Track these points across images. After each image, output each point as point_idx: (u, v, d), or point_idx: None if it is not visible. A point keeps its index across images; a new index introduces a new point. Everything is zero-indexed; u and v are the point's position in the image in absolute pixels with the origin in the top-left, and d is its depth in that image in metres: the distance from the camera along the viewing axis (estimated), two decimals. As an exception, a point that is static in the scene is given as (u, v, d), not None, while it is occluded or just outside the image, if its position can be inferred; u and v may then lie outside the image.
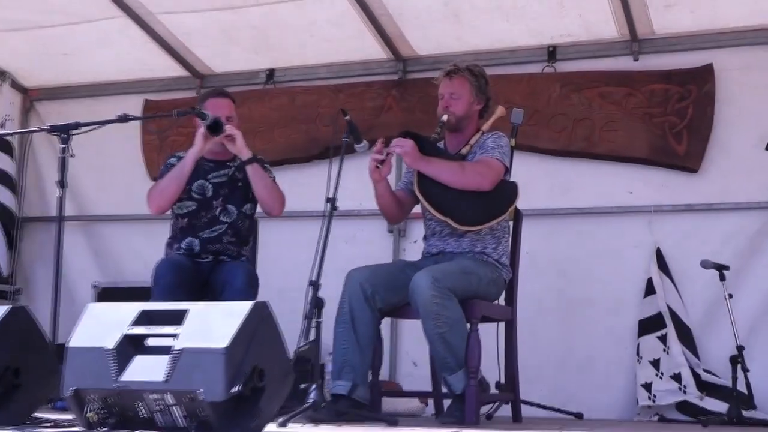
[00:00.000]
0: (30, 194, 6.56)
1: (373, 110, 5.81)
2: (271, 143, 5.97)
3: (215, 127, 4.31)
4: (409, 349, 5.48)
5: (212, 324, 2.73)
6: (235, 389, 2.63)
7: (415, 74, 5.78)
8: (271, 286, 4.97)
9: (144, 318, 2.86)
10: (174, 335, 2.75)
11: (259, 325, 2.77)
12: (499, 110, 4.34)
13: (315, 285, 3.69)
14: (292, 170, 5.83)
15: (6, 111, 6.38)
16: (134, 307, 2.89)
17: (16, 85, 6.49)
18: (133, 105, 6.15)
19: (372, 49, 5.71)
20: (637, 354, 5.05)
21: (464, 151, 4.21)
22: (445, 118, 4.21)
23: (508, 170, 4.19)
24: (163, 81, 6.28)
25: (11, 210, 6.36)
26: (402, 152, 4.03)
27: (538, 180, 5.33)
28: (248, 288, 4.16)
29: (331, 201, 3.87)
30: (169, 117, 4.28)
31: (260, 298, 4.57)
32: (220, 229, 4.50)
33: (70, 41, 5.87)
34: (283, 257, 5.47)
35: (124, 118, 3.82)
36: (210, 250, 4.47)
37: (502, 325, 4.34)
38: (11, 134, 6.15)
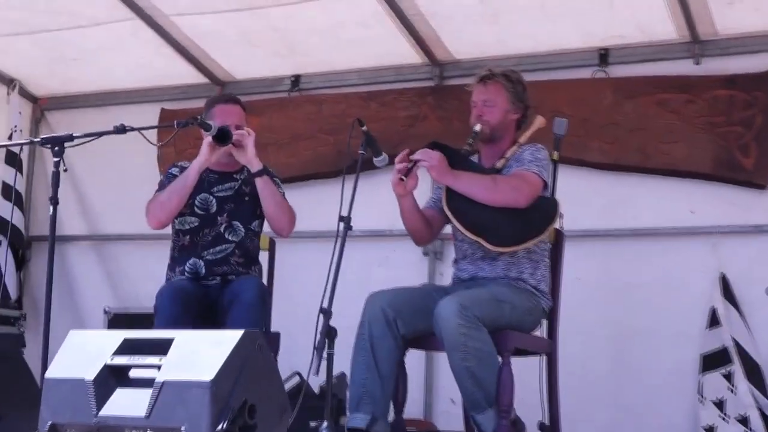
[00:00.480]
0: (39, 211, 6.67)
1: (406, 120, 5.81)
2: (295, 156, 6.00)
3: (222, 137, 4.30)
4: (446, 384, 5.41)
5: (198, 354, 2.72)
6: (222, 426, 2.61)
7: (452, 80, 5.76)
8: (292, 314, 4.99)
9: (127, 347, 2.85)
10: (158, 366, 2.73)
11: (251, 356, 2.75)
12: (539, 121, 4.28)
13: (326, 312, 3.64)
14: (318, 186, 5.85)
15: (15, 121, 6.48)
16: (117, 335, 2.89)
17: (25, 94, 6.61)
18: (149, 114, 6.21)
19: (405, 53, 5.71)
20: (700, 393, 4.93)
21: (499, 164, 4.16)
22: (478, 128, 4.16)
23: (547, 186, 4.13)
24: (180, 88, 6.35)
25: (19, 229, 6.44)
26: (428, 165, 3.99)
27: (587, 197, 5.27)
28: (259, 303, 4.14)
29: (345, 220, 3.83)
30: (182, 127, 4.26)
31: (278, 327, 4.62)
32: (227, 249, 4.49)
33: (79, 45, 5.96)
34: (306, 282, 5.43)
35: (121, 129, 3.84)
36: (217, 273, 4.47)
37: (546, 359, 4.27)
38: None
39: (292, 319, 4.88)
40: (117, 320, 5.97)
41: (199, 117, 4.20)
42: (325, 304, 3.68)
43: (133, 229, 6.22)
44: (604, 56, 5.45)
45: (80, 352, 2.90)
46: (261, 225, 4.62)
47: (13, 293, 6.35)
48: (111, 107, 6.47)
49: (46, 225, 6.51)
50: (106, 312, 6.04)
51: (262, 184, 4.43)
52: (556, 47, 5.51)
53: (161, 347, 2.79)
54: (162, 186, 4.56)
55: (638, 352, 5.15)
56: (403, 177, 4.01)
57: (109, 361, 2.82)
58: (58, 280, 6.47)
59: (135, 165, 6.31)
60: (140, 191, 6.27)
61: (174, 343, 2.79)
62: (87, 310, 6.25)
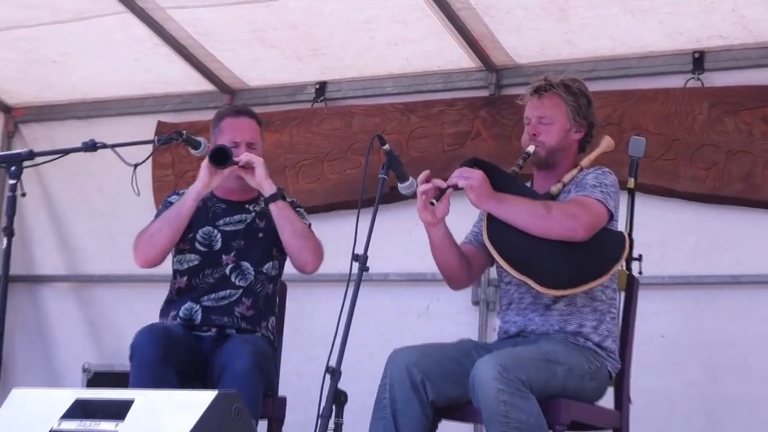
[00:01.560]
0: (13, 247, 6.78)
1: (454, 137, 5.85)
2: (319, 181, 6.08)
3: (219, 158, 4.35)
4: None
5: (161, 419, 2.76)
6: None
7: (511, 89, 5.80)
8: (307, 375, 5.02)
9: (78, 410, 2.91)
10: (113, 433, 2.79)
11: (225, 423, 2.79)
12: (606, 142, 4.28)
13: (333, 373, 3.68)
14: (346, 217, 5.88)
15: (-17, 135, 6.68)
16: (68, 395, 2.94)
17: (-4, 102, 6.79)
18: (144, 128, 6.35)
19: (453, 56, 5.76)
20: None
21: (554, 189, 4.16)
22: (531, 149, 4.16)
23: (613, 216, 4.13)
24: (180, 97, 6.48)
25: (-12, 267, 6.57)
26: (466, 185, 3.98)
27: (675, 236, 5.27)
28: (253, 372, 4.13)
29: (360, 259, 3.85)
30: (163, 144, 4.36)
31: (290, 390, 4.66)
32: (232, 296, 4.51)
33: (59, 45, 6.09)
34: (327, 333, 5.51)
35: (91, 146, 3.93)
36: (215, 323, 4.49)
37: (611, 435, 4.26)
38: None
39: (307, 380, 4.91)
40: (98, 379, 6.05)
41: (184, 132, 4.25)
42: (333, 362, 3.72)
43: (120, 268, 6.34)
44: (698, 60, 5.46)
45: (23, 415, 2.95)
46: (279, 269, 4.65)
47: (-22, 342, 6.47)
48: (99, 120, 6.63)
49: (21, 263, 6.74)
50: (85, 369, 6.13)
51: (276, 210, 4.46)
52: (639, 49, 5.52)
53: (119, 410, 2.84)
54: (158, 216, 4.62)
55: (737, 428, 5.11)
56: (433, 201, 4.03)
57: (55, 427, 2.88)
58: (29, 328, 6.67)
59: (126, 191, 6.37)
60: (131, 223, 6.33)
61: (134, 406, 2.83)
62: (63, 366, 6.36)
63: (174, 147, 6.16)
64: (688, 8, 5.19)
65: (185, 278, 4.56)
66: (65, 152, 4.06)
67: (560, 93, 4.21)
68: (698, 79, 5.46)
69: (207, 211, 4.57)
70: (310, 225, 4.62)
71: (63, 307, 6.46)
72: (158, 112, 6.52)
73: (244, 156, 4.43)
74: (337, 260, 5.44)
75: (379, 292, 5.78)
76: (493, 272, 5.13)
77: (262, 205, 4.60)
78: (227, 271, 4.54)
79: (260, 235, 4.59)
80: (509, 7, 5.36)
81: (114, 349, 6.31)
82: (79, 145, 4.03)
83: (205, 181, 4.42)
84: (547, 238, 3.98)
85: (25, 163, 4.01)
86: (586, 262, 4.00)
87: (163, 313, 4.64)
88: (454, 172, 4.05)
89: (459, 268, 4.24)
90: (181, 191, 4.66)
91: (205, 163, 4.42)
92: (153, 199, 6.39)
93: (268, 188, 4.46)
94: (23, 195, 3.97)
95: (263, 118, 6.07)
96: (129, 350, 4.27)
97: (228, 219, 4.60)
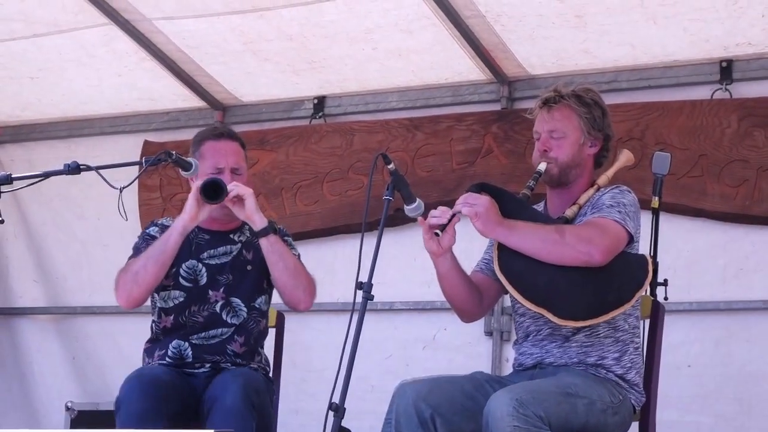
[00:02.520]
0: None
1: (464, 155, 5.88)
2: (318, 203, 6.11)
3: (213, 192, 4.35)
4: None
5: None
6: None
7: (524, 102, 5.81)
8: (306, 411, 5.05)
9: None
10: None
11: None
12: (625, 156, 4.30)
13: (337, 410, 3.70)
14: (348, 241, 5.93)
15: (-43, 157, 6.72)
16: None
17: (-30, 123, 6.82)
18: (129, 148, 6.40)
19: (462, 67, 5.79)
20: None
21: (569, 213, 4.17)
22: (543, 167, 4.19)
23: (633, 239, 4.14)
24: (169, 114, 6.52)
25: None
26: (471, 213, 4.01)
27: (703, 258, 5.30)
28: (243, 408, 4.14)
29: (364, 287, 3.87)
30: (150, 165, 4.35)
31: (290, 427, 4.69)
32: (224, 335, 4.53)
33: (38, 60, 6.12)
34: (331, 368, 5.53)
35: (74, 168, 3.95)
36: (207, 360, 4.51)
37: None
38: None
39: (304, 417, 4.95)
40: (82, 419, 6.03)
41: (174, 152, 4.23)
42: (336, 399, 3.74)
43: (104, 299, 6.29)
44: (726, 70, 5.48)
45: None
46: (268, 302, 4.67)
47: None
48: (80, 139, 6.68)
49: (-4, 294, 6.79)
50: (68, 408, 6.11)
51: (268, 245, 4.47)
52: (663, 58, 5.54)
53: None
54: (137, 251, 4.60)
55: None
56: (438, 231, 4.06)
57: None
58: (7, 364, 6.68)
59: (108, 216, 6.42)
60: (114, 251, 6.43)
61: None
62: (45, 406, 6.38)
63: (162, 168, 6.20)
64: (715, 14, 5.20)
65: (171, 317, 4.56)
66: (46, 175, 4.06)
67: (572, 104, 4.23)
68: (726, 89, 5.48)
69: (189, 243, 4.56)
70: (299, 256, 4.63)
71: (43, 341, 6.48)
72: (144, 130, 6.56)
73: (233, 189, 4.41)
74: (335, 288, 5.54)
75: (382, 322, 5.80)
76: (507, 300, 5.14)
77: (248, 235, 4.62)
78: (217, 308, 4.55)
79: (249, 267, 4.60)
80: (522, 14, 5.38)
81: (98, 386, 6.35)
82: (60, 167, 4.02)
83: (192, 214, 4.41)
84: (562, 266, 3.99)
85: (2, 188, 4.00)
86: (606, 290, 4.01)
87: (148, 352, 4.63)
88: (459, 198, 4.07)
89: (469, 300, 4.27)
90: (159, 222, 4.69)
91: (193, 194, 4.40)
92: (139, 225, 6.39)
93: (259, 222, 4.46)
94: (1, 222, 3.97)
95: (258, 136, 6.21)
96: (114, 404, 4.26)
97: (212, 251, 4.61)
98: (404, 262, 5.74)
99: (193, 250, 4.58)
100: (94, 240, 6.57)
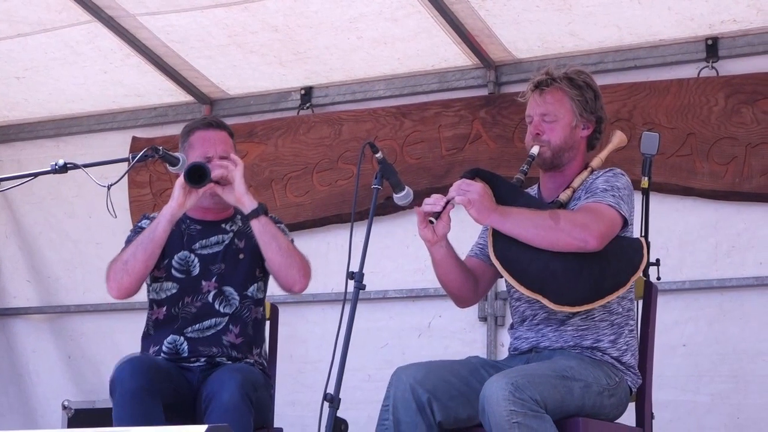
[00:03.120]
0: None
1: (452, 141, 5.88)
2: (309, 194, 6.11)
3: (197, 176, 4.35)
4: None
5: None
6: None
7: (512, 86, 5.82)
8: (302, 402, 5.04)
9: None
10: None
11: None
12: (618, 137, 4.30)
13: (332, 400, 3.70)
14: (338, 232, 5.95)
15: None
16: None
17: (-43, 123, 6.80)
18: (117, 144, 6.40)
19: (448, 53, 5.79)
20: None
21: (563, 197, 4.17)
22: (535, 150, 4.19)
23: (627, 222, 4.15)
24: (156, 110, 6.51)
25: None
26: (464, 201, 4.00)
27: (694, 237, 5.30)
28: (241, 404, 4.13)
29: (355, 277, 3.87)
30: (138, 161, 4.33)
31: (287, 420, 4.69)
32: (218, 325, 4.52)
33: (23, 59, 6.11)
34: (323, 358, 5.53)
35: (61, 167, 3.94)
36: (204, 354, 4.50)
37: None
38: None
39: (302, 408, 4.94)
40: (79, 418, 6.06)
41: (161, 148, 4.23)
42: (331, 389, 3.74)
43: (98, 297, 6.35)
44: (712, 48, 5.48)
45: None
46: (263, 290, 4.66)
47: None
48: (68, 138, 6.68)
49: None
50: (65, 407, 6.13)
51: (259, 226, 4.46)
52: (648, 38, 5.54)
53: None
54: (129, 242, 4.60)
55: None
56: (432, 219, 4.05)
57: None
58: (2, 365, 6.67)
59: (99, 214, 6.39)
60: (106, 248, 6.40)
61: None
62: (41, 405, 6.37)
63: (151, 164, 6.20)
64: (698, -9, 5.22)
65: (164, 308, 4.57)
66: (34, 175, 4.05)
67: (563, 87, 4.23)
68: (712, 67, 5.48)
69: (181, 234, 4.57)
70: (292, 241, 4.62)
71: (38, 341, 6.48)
72: (132, 127, 6.55)
73: (218, 169, 4.42)
74: (329, 278, 5.54)
75: (377, 311, 5.81)
76: (501, 285, 5.14)
77: (240, 224, 4.62)
78: (210, 298, 4.54)
79: (241, 256, 4.59)
80: (504, -5, 5.40)
81: (95, 384, 6.33)
82: (48, 167, 4.01)
83: (179, 201, 4.42)
84: (557, 251, 4.00)
85: (-8, 189, 4.02)
86: (602, 275, 4.02)
87: (144, 348, 4.63)
88: (453, 185, 4.06)
89: (465, 285, 4.27)
90: (152, 215, 4.67)
91: (179, 181, 4.41)
92: (130, 221, 6.39)
93: (248, 203, 4.45)
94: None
95: (246, 129, 6.20)
96: (109, 385, 4.26)
97: (204, 241, 4.60)
98: (397, 250, 5.75)
99: (185, 241, 4.58)
100: (86, 238, 6.55)
